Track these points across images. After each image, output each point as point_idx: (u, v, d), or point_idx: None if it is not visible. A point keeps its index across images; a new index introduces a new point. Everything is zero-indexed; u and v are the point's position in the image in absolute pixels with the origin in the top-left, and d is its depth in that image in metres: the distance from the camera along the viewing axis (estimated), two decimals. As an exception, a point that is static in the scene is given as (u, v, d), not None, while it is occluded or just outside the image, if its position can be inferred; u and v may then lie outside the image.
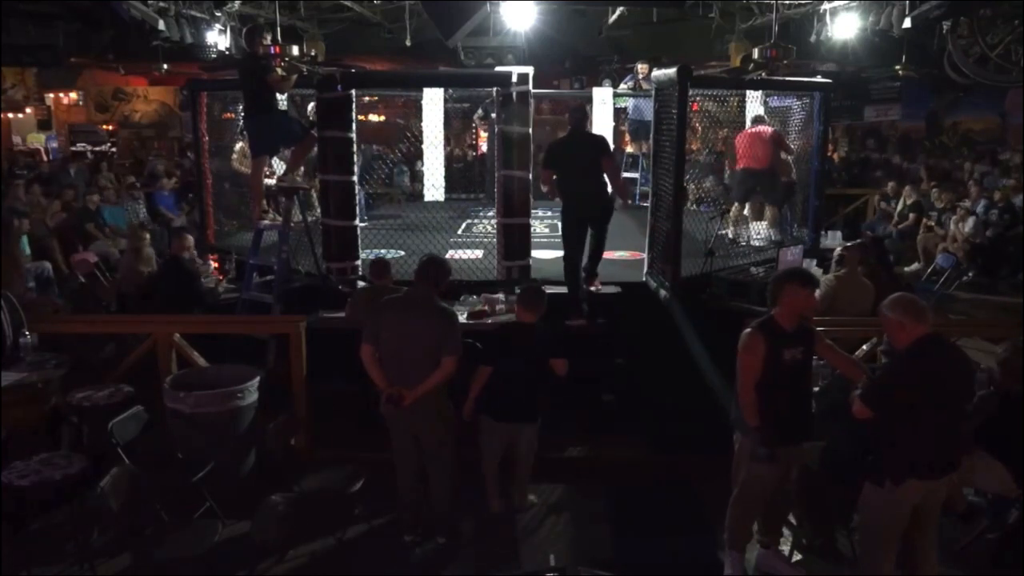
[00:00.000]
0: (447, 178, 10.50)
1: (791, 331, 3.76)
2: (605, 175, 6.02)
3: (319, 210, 6.84)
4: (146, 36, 8.70)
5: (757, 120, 8.06)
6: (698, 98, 7.17)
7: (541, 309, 4.55)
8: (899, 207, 11.42)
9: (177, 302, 6.05)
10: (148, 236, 7.74)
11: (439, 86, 9.60)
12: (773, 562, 4.12)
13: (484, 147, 13.15)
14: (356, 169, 6.44)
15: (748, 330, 3.78)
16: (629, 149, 10.79)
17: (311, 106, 7.88)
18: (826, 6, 9.66)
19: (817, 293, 5.28)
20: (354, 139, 6.32)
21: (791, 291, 3.76)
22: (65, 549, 4.24)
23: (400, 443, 4.29)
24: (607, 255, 7.39)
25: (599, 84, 11.59)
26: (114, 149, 17.18)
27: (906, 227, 10.98)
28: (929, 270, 9.85)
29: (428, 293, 4.23)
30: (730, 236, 7.86)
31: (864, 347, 5.32)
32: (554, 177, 6.14)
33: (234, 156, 8.14)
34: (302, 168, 6.85)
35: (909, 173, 13.90)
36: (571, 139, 6.14)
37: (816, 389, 4.27)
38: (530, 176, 6.38)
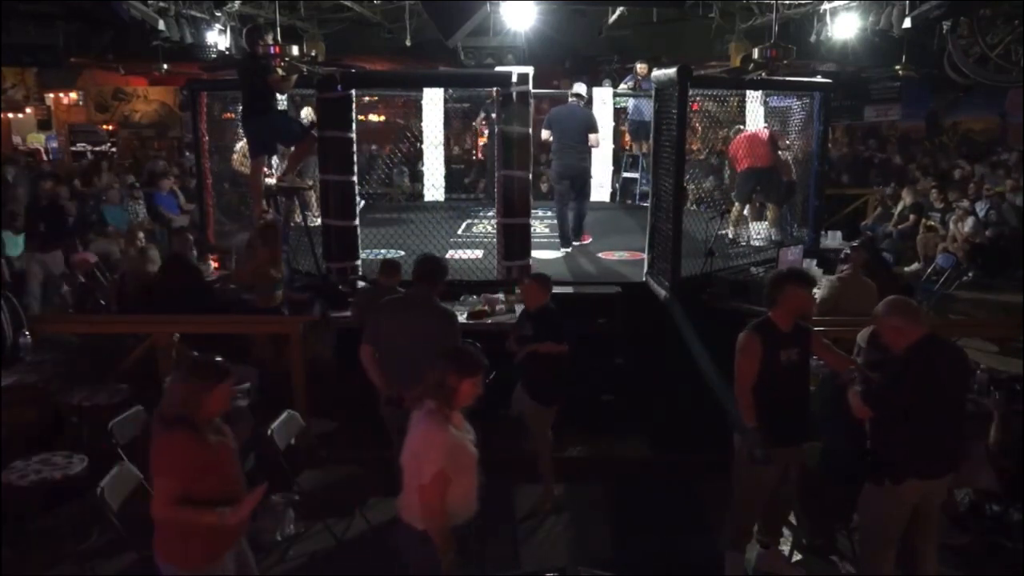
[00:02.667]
0: (447, 178, 10.51)
1: (788, 332, 3.76)
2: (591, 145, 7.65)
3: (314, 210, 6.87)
4: (146, 36, 8.67)
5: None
6: (698, 98, 7.17)
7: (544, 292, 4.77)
8: (899, 208, 11.42)
9: (180, 301, 6.05)
10: (143, 236, 7.73)
11: (439, 86, 9.59)
12: (773, 562, 4.12)
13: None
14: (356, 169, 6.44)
15: (744, 332, 3.79)
16: (629, 149, 10.81)
17: (305, 111, 7.89)
18: (826, 6, 9.64)
19: (818, 294, 5.32)
20: (354, 139, 6.32)
21: (791, 291, 3.75)
22: (65, 549, 4.24)
23: (400, 444, 4.27)
24: (607, 255, 7.54)
25: (599, 84, 11.59)
26: (114, 149, 17.17)
27: (906, 227, 10.98)
28: (929, 270, 9.85)
29: (427, 293, 4.23)
30: (730, 236, 7.85)
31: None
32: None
33: (235, 157, 8.13)
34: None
35: (909, 173, 13.91)
36: (570, 110, 7.59)
37: (812, 389, 4.26)
38: (530, 176, 6.39)
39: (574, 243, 7.69)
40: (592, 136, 7.55)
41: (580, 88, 7.75)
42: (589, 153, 7.69)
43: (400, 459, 3.06)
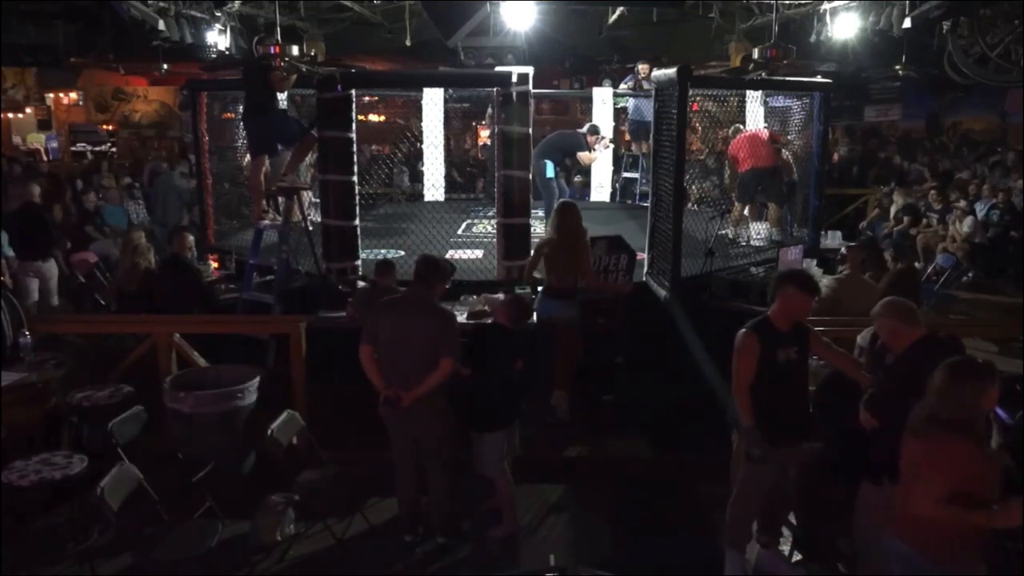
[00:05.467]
0: (447, 178, 10.52)
1: (786, 331, 3.75)
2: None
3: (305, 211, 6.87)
4: (146, 36, 8.69)
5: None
6: (698, 98, 7.16)
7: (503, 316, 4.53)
8: (892, 210, 11.43)
9: (178, 301, 6.05)
10: (143, 235, 7.70)
11: (439, 86, 9.59)
12: (773, 562, 4.11)
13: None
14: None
15: (742, 330, 3.78)
16: (629, 149, 10.82)
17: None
18: (826, 6, 9.64)
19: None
20: (354, 139, 6.32)
21: (788, 293, 3.75)
22: (65, 549, 4.24)
23: (399, 444, 4.29)
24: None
25: (599, 84, 11.59)
26: (114, 149, 17.18)
27: (902, 229, 10.99)
28: (929, 270, 9.85)
29: (426, 293, 4.23)
30: (730, 236, 7.86)
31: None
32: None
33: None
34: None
35: (911, 173, 13.92)
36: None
37: (812, 388, 4.26)
38: (530, 176, 6.39)
39: None
40: (581, 155, 8.82)
41: (586, 126, 8.97)
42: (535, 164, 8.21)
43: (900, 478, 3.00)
